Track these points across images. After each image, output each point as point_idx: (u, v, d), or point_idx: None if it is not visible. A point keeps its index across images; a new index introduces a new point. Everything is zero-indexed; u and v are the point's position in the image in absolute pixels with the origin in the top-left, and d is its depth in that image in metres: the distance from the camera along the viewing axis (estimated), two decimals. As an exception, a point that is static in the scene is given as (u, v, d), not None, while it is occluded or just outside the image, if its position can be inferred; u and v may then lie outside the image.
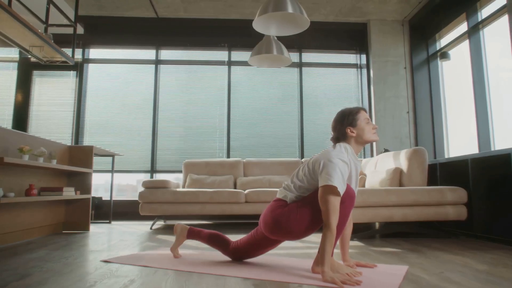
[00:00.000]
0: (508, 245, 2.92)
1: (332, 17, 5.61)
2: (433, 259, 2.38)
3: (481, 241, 3.15)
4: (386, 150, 5.36)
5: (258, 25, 3.27)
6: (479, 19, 4.49)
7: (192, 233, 2.41)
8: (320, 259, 1.82)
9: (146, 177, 5.75)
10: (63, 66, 5.50)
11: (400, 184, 3.69)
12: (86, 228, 3.93)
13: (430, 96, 5.51)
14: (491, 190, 3.26)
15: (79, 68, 5.65)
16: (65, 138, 5.53)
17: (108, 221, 4.93)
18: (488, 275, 1.94)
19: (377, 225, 4.32)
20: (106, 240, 3.29)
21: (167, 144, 5.72)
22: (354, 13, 5.53)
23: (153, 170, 5.67)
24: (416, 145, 5.49)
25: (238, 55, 5.95)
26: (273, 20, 3.29)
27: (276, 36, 4.31)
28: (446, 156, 5.31)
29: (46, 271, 2.00)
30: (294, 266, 2.12)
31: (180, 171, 5.65)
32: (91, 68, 5.79)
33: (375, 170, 4.25)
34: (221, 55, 5.95)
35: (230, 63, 5.91)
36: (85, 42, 5.73)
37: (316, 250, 2.75)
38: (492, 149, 4.33)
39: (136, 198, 5.53)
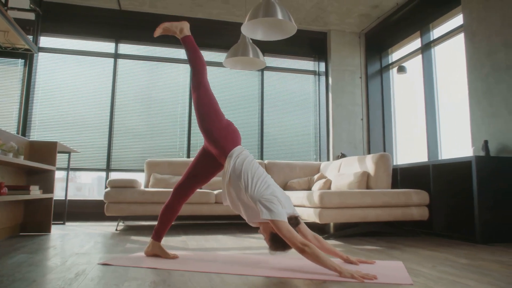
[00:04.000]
0: (467, 241, 3.28)
1: (296, 25, 5.78)
2: (416, 255, 2.61)
3: (441, 239, 3.50)
4: (343, 155, 5.69)
5: (246, 29, 3.32)
6: (431, 38, 4.97)
7: (158, 234, 2.44)
8: (331, 268, 1.90)
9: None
10: (9, 53, 5.02)
11: (367, 187, 3.96)
12: (47, 230, 3.65)
13: (382, 105, 5.96)
14: (450, 193, 3.64)
15: (28, 56, 5.19)
16: (9, 131, 5.04)
17: (62, 222, 4.60)
18: (473, 267, 2.19)
19: (331, 226, 4.57)
20: (79, 242, 3.09)
21: (125, 142, 5.49)
22: (317, 23, 5.79)
23: (108, 169, 5.41)
24: (369, 150, 5.88)
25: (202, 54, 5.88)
26: (261, 25, 3.36)
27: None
28: (395, 163, 5.77)
29: (49, 277, 1.87)
30: (309, 264, 2.19)
31: (137, 170, 5.47)
32: (42, 58, 5.36)
33: (339, 173, 4.50)
34: (183, 53, 5.85)
35: (193, 62, 5.83)
36: (36, 29, 5.28)
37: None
38: (440, 158, 4.81)
39: (82, 198, 5.31)
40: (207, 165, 2.44)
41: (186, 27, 2.56)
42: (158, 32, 2.55)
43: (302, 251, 1.93)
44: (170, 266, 2.11)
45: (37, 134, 5.17)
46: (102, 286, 1.68)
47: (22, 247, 2.78)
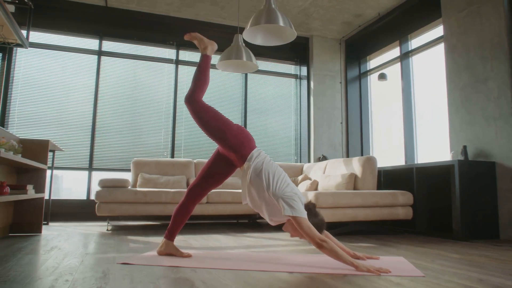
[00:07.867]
0: (448, 239, 3.56)
1: (281, 29, 5.94)
2: (411, 251, 2.83)
3: (424, 237, 3.77)
4: (324, 157, 5.91)
5: (247, 34, 3.42)
6: (410, 48, 5.29)
7: (171, 233, 2.49)
8: (347, 262, 2.06)
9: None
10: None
11: (354, 188, 4.17)
12: (38, 231, 3.57)
13: (360, 110, 6.23)
14: (432, 194, 3.92)
15: (7, 50, 5.00)
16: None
17: (45, 222, 4.48)
18: (466, 261, 2.42)
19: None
20: (79, 242, 3.06)
21: (108, 141, 5.41)
22: (301, 28, 5.97)
23: (91, 168, 5.31)
24: (348, 153, 6.14)
25: (187, 55, 5.92)
26: (261, 30, 3.46)
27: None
28: (371, 163, 6.05)
29: (77, 276, 1.89)
30: (322, 260, 2.33)
31: (120, 170, 5.41)
32: (22, 52, 5.16)
33: (325, 174, 4.69)
34: (169, 53, 5.85)
35: (177, 62, 5.84)
36: (28, 23, 5.07)
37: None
38: (416, 162, 5.12)
39: (59, 198, 5.20)
40: (223, 166, 2.51)
41: (211, 48, 2.60)
42: (188, 37, 2.62)
43: (320, 246, 2.07)
44: (192, 264, 2.17)
45: (16, 130, 4.99)
46: (139, 285, 1.73)
47: (23, 248, 2.73)
